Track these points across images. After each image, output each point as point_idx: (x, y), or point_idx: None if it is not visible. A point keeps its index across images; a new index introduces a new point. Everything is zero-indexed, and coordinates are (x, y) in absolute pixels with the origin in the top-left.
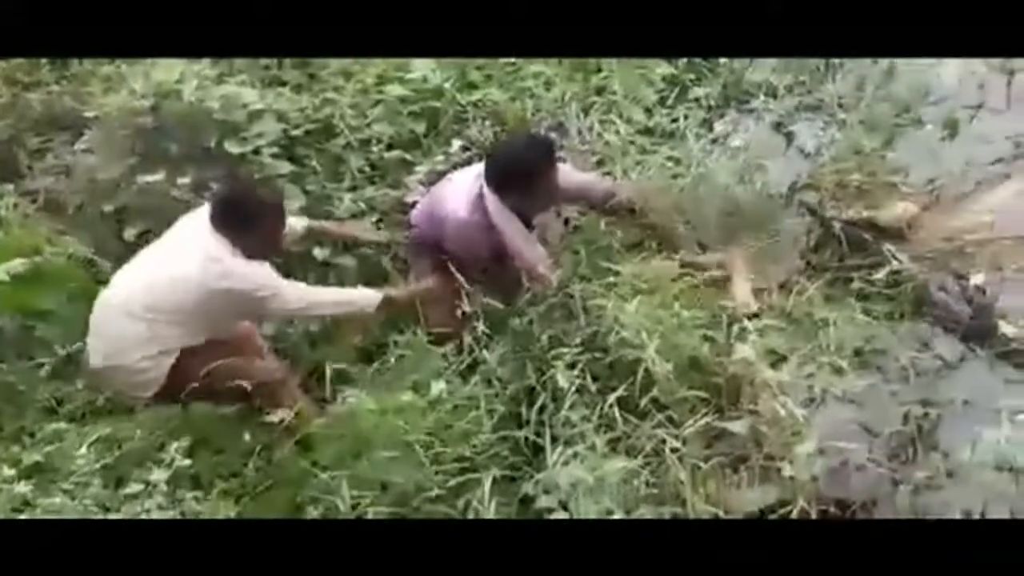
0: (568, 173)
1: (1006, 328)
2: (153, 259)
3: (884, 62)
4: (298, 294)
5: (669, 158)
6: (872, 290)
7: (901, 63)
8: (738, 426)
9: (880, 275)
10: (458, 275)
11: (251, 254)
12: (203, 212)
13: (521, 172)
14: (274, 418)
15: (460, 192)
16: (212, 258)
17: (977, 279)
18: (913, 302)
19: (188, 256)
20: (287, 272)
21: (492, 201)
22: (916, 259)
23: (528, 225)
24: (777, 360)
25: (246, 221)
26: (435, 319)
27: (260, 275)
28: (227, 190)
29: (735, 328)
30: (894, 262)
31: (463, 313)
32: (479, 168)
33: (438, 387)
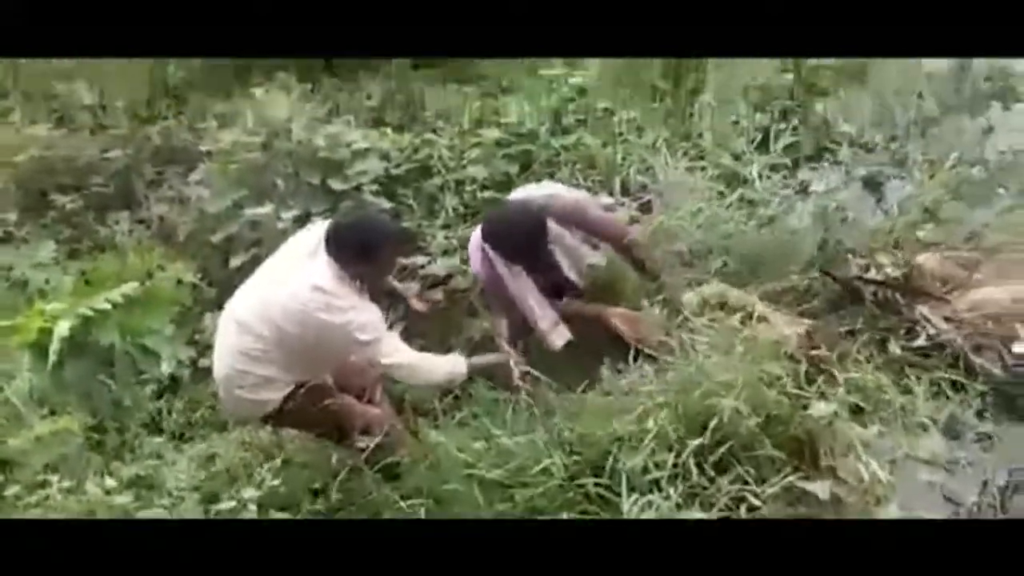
0: (593, 207)
1: None
2: (268, 274)
3: (983, 122)
4: (396, 350)
5: (741, 200)
6: (912, 356)
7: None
8: (819, 488)
9: (920, 340)
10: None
11: (363, 283)
12: (319, 232)
13: (513, 240)
14: (361, 444)
15: (474, 244)
16: (317, 287)
17: (1018, 347)
18: (952, 366)
19: (295, 279)
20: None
21: (496, 256)
22: (954, 323)
23: (550, 271)
24: (853, 419)
25: (362, 251)
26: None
27: (365, 317)
28: (346, 218)
29: (813, 384)
30: (929, 328)
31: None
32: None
33: (509, 434)
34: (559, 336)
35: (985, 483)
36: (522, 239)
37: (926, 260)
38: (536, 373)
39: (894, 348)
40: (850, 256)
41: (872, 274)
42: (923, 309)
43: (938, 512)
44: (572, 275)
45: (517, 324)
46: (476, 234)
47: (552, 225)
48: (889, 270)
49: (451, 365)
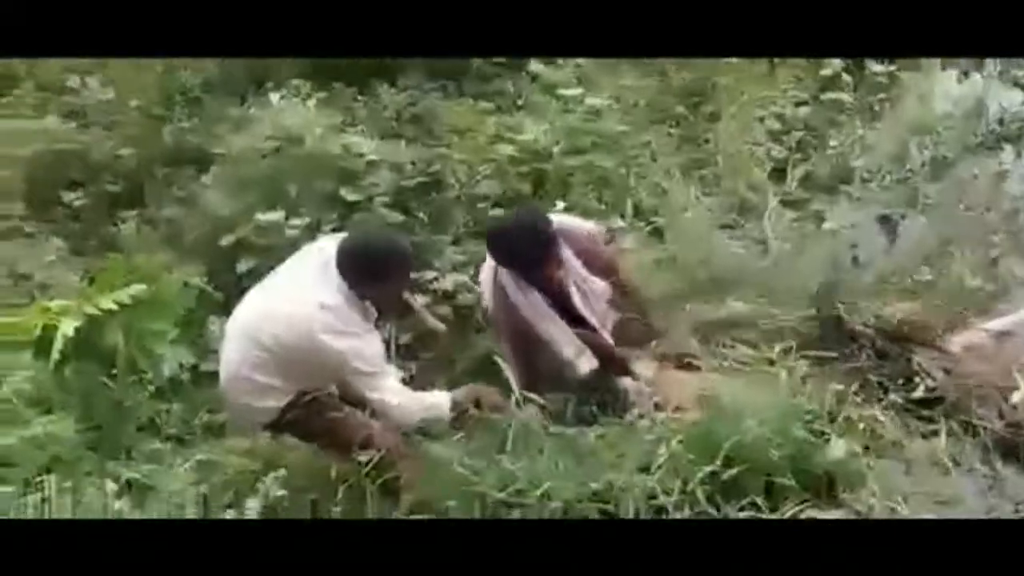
0: (600, 238)
1: None
2: (276, 284)
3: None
4: (398, 388)
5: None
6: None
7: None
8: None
9: (919, 392)
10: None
11: (373, 304)
12: (331, 247)
13: (518, 242)
14: (362, 457)
15: (485, 276)
16: (324, 305)
17: (1016, 397)
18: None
19: (304, 294)
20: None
21: (507, 279)
22: (952, 375)
23: (560, 301)
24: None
25: (373, 273)
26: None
27: (369, 349)
28: (359, 237)
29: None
30: (928, 379)
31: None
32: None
33: (511, 458)
34: (586, 362)
35: None
36: (527, 239)
37: (916, 308)
38: (538, 399)
39: (895, 397)
40: (847, 302)
41: (871, 320)
42: (921, 360)
43: None
44: (585, 311)
45: (531, 360)
46: (486, 267)
47: (564, 252)
48: (887, 314)
49: (439, 400)
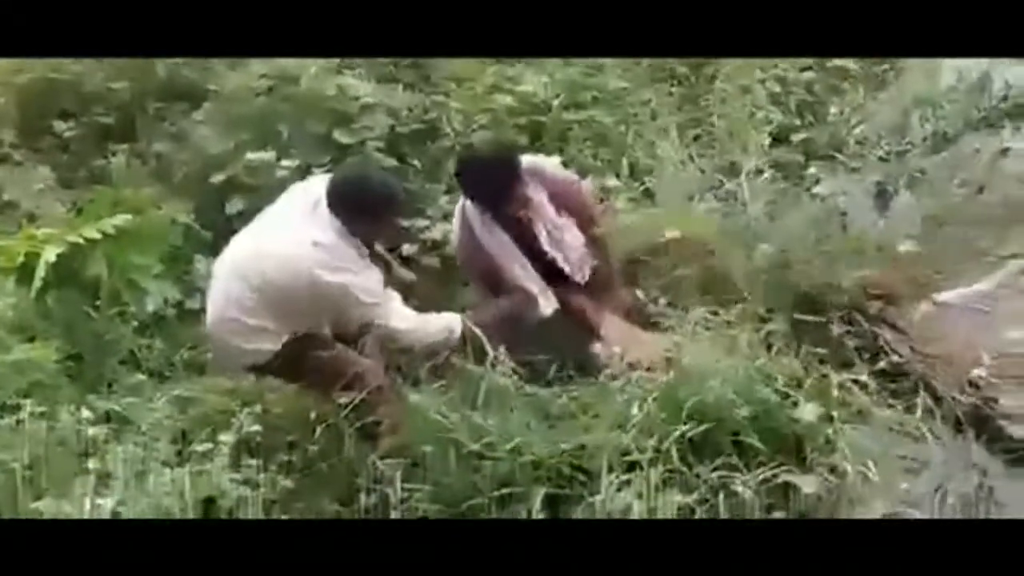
0: (582, 186)
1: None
2: (266, 224)
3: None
4: (404, 313)
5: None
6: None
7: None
8: (809, 483)
9: (882, 364)
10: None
11: (364, 241)
12: (320, 185)
13: (485, 175)
14: (343, 399)
15: (456, 215)
16: (317, 242)
17: (975, 373)
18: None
19: (295, 232)
20: None
21: (474, 215)
22: (917, 353)
23: (527, 241)
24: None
25: (365, 208)
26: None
27: (369, 280)
28: (350, 173)
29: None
30: (892, 355)
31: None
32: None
33: (482, 414)
34: (547, 303)
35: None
36: (492, 170)
37: (890, 279)
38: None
39: (863, 365)
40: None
41: (845, 287)
42: (886, 335)
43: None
44: (554, 254)
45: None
46: (457, 206)
47: (537, 192)
48: (861, 282)
49: (451, 318)
